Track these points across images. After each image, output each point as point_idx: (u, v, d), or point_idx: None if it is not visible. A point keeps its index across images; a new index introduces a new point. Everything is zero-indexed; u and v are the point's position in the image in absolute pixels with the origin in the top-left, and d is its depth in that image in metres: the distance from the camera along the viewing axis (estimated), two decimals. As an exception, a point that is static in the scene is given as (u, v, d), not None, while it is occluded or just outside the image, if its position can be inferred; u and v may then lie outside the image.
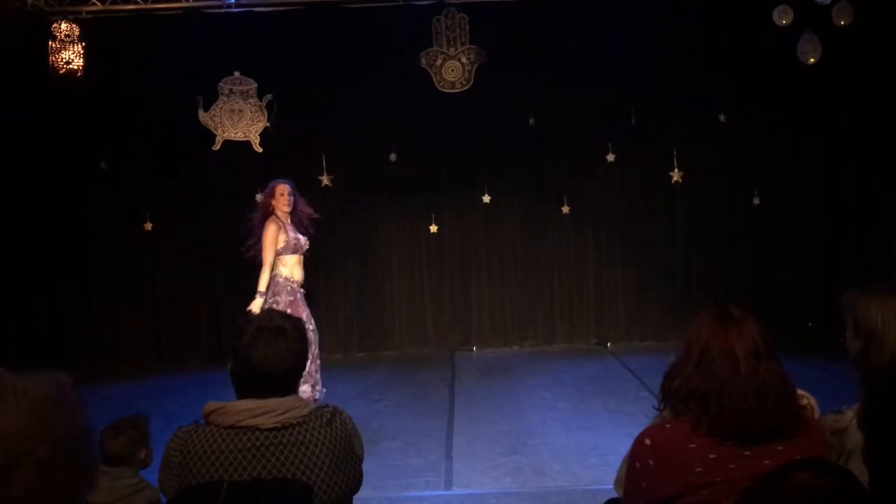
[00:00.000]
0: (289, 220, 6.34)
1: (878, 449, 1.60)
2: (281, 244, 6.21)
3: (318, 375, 6.38)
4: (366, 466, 2.51)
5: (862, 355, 2.28)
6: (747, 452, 1.96)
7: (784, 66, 7.65)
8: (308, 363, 5.99)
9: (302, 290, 6.27)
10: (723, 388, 1.97)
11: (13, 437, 1.32)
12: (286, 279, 6.20)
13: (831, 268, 8.37)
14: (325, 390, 6.32)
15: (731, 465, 1.95)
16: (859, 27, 7.13)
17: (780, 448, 1.96)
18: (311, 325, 6.07)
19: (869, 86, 7.68)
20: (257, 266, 6.25)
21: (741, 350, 2.00)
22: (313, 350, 6.21)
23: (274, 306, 6.02)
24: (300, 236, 6.34)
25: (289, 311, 5.82)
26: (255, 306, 6.04)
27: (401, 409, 6.70)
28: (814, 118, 8.31)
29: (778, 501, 1.79)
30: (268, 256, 6.16)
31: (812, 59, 7.32)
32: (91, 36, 7.80)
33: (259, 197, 6.59)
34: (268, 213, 6.32)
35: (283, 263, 6.23)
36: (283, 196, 6.31)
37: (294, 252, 6.28)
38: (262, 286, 6.15)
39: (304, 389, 5.96)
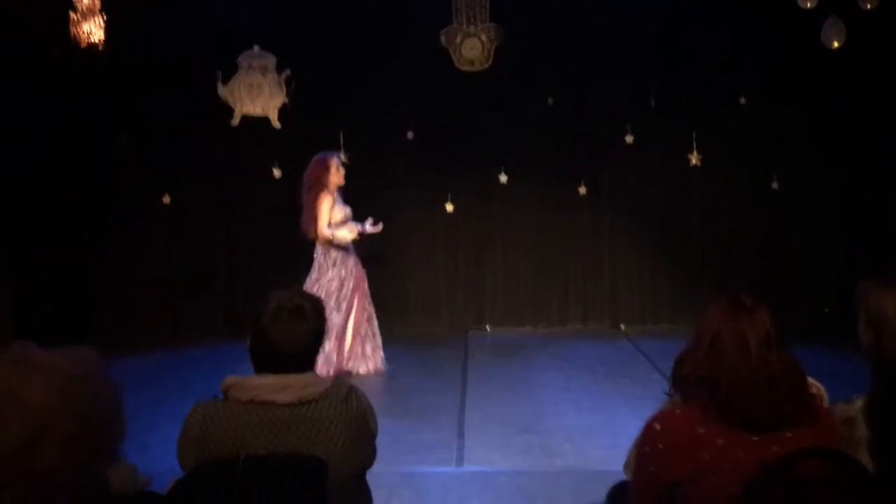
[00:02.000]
0: (337, 193, 6.75)
1: (882, 442, 1.61)
2: (339, 216, 6.68)
3: (370, 348, 6.89)
4: (378, 441, 2.55)
5: (874, 346, 2.30)
6: (755, 439, 1.99)
7: (807, 50, 7.57)
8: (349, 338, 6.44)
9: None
10: (733, 375, 2.00)
11: (38, 412, 1.35)
12: (344, 248, 6.72)
13: (849, 254, 8.32)
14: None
15: (740, 452, 1.98)
16: (885, 11, 7.04)
17: (788, 436, 1.99)
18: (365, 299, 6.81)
19: (891, 71, 7.59)
20: (308, 242, 6.75)
21: (753, 339, 2.02)
22: (373, 323, 6.91)
23: (342, 270, 6.68)
24: (346, 205, 6.83)
25: (353, 271, 6.69)
26: (348, 234, 6.67)
27: (414, 387, 6.75)
28: (836, 103, 8.22)
29: (785, 489, 1.82)
30: (323, 228, 6.61)
31: (836, 44, 7.23)
32: (112, 7, 7.82)
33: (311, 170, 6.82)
34: (321, 185, 6.64)
35: (339, 233, 6.70)
36: (339, 170, 6.72)
37: (347, 220, 6.78)
38: (349, 235, 6.69)
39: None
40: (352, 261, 6.79)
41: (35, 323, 7.27)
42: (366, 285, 6.93)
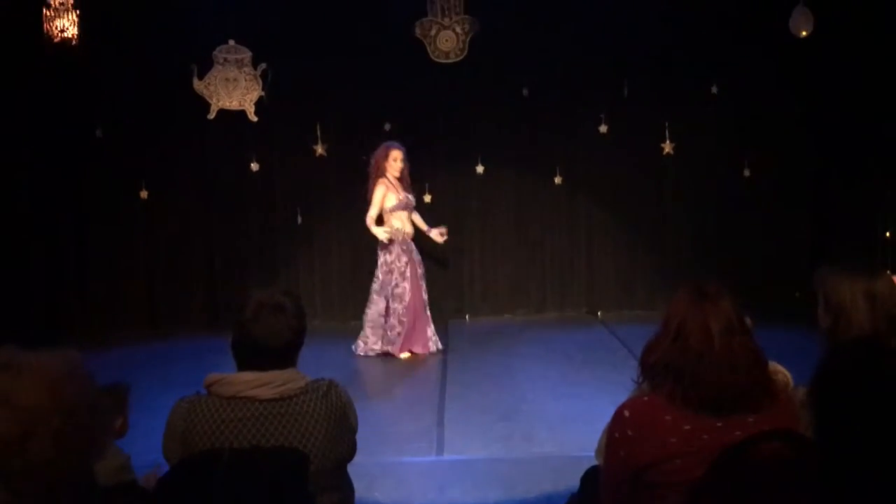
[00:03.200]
0: (401, 184, 7.09)
1: (823, 421, 1.70)
2: (392, 202, 7.03)
3: (431, 330, 7.31)
4: (359, 433, 2.62)
5: (831, 331, 2.39)
6: (719, 424, 2.07)
7: (777, 39, 7.69)
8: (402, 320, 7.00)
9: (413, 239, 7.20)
10: (697, 361, 2.08)
11: (28, 409, 1.43)
12: (397, 230, 7.04)
13: (819, 239, 8.49)
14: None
15: (704, 436, 2.06)
16: (852, 1, 7.17)
17: (750, 420, 2.07)
18: (422, 283, 7.21)
19: (860, 60, 7.72)
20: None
21: (715, 326, 2.10)
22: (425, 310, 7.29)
23: (387, 256, 7.06)
24: (409, 195, 7.15)
25: (404, 259, 7.02)
26: (382, 233, 7.00)
27: (394, 377, 6.83)
28: (805, 91, 8.36)
29: (747, 469, 1.92)
30: (372, 212, 7.01)
31: (804, 32, 7.35)
32: (85, 3, 7.78)
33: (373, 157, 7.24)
34: (379, 173, 7.04)
35: (395, 217, 7.08)
36: (395, 162, 7.06)
37: (405, 209, 7.15)
38: (382, 234, 7.00)
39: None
40: (396, 251, 7.08)
41: (14, 317, 7.26)
42: (414, 268, 7.20)
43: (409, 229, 7.18)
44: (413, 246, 7.26)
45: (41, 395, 1.45)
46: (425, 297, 7.35)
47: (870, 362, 1.73)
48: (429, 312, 7.40)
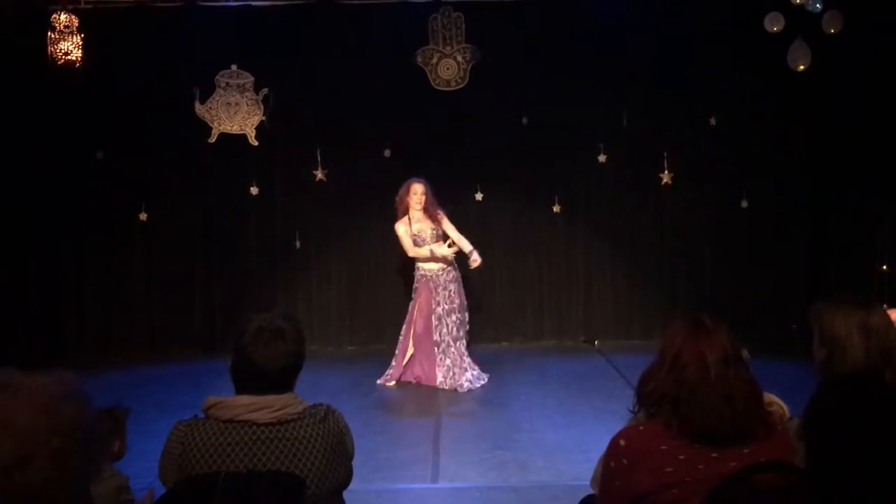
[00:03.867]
0: (424, 214, 7.09)
1: (815, 452, 1.71)
2: (413, 231, 7.09)
3: (468, 361, 7.20)
4: (354, 459, 2.62)
5: (826, 365, 2.40)
6: (715, 454, 2.08)
7: (774, 72, 7.77)
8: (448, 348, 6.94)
9: (449, 271, 7.11)
10: (693, 392, 2.09)
11: (28, 431, 1.45)
12: (418, 268, 7.14)
13: (816, 271, 8.51)
14: (477, 375, 7.18)
15: (700, 466, 2.07)
16: (849, 35, 7.25)
17: (746, 451, 2.08)
18: (440, 321, 7.05)
19: (857, 93, 7.80)
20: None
21: (711, 357, 2.12)
22: (463, 337, 7.23)
23: (415, 284, 7.16)
24: (427, 228, 7.11)
25: (423, 293, 7.07)
26: (442, 250, 7.02)
27: (390, 403, 6.82)
28: (802, 124, 8.43)
29: (742, 500, 1.92)
30: (407, 249, 7.14)
31: (802, 66, 7.43)
32: (89, 27, 7.86)
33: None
34: (403, 210, 7.14)
35: (419, 255, 7.08)
36: (415, 195, 7.09)
37: (422, 244, 7.09)
38: (443, 251, 7.00)
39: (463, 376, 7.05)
40: (421, 282, 7.14)
41: (13, 339, 7.26)
42: (430, 303, 7.13)
43: (430, 266, 7.11)
44: (442, 281, 7.09)
45: (39, 415, 1.47)
46: (440, 335, 7.09)
47: (862, 396, 1.74)
48: (444, 349, 7.10)
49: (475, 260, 7.18)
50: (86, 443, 1.52)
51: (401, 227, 7.15)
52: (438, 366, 7.10)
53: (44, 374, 1.55)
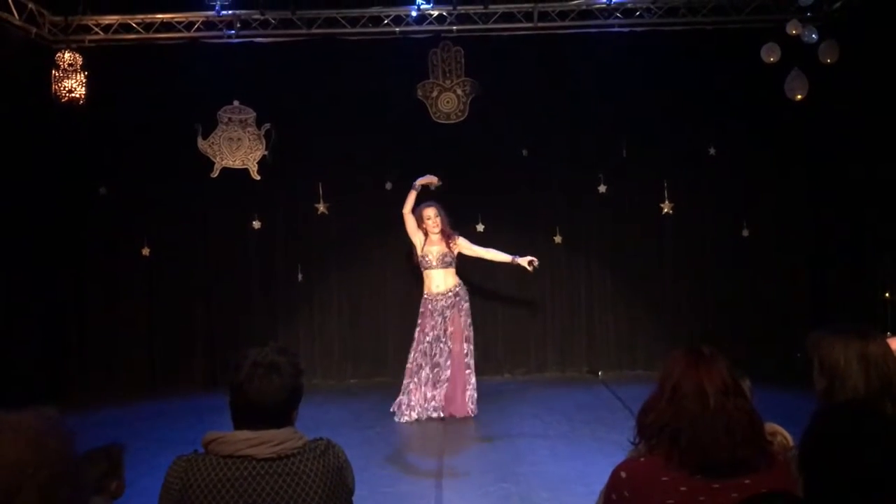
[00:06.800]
0: (439, 237, 7.13)
1: (812, 488, 1.71)
2: (418, 255, 7.14)
3: (421, 397, 7.05)
4: (356, 493, 2.60)
5: (826, 394, 2.40)
6: (716, 485, 2.07)
7: (772, 102, 7.84)
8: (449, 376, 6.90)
9: (449, 296, 7.08)
10: (693, 423, 2.09)
11: (14, 465, 1.48)
12: (425, 292, 7.15)
13: (818, 299, 8.50)
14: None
15: (701, 498, 2.06)
16: (845, 65, 7.32)
17: (747, 482, 2.07)
18: (435, 345, 7.01)
19: (853, 122, 7.85)
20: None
21: (710, 388, 2.11)
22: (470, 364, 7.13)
23: (420, 319, 7.08)
24: (432, 251, 7.10)
25: (422, 318, 7.01)
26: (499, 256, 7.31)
27: (392, 436, 6.78)
28: (801, 152, 8.48)
29: (744, 532, 1.91)
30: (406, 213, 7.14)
31: (799, 96, 7.51)
32: (93, 64, 7.96)
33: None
34: (424, 232, 7.19)
35: (425, 275, 7.18)
36: (428, 220, 7.16)
37: (426, 268, 7.12)
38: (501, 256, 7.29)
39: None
40: (428, 307, 7.09)
41: (13, 374, 7.24)
42: (426, 330, 7.10)
43: (432, 289, 7.10)
44: (440, 307, 7.06)
45: (24, 450, 1.49)
46: (428, 361, 7.05)
47: (858, 425, 1.74)
48: (432, 376, 7.06)
49: (524, 261, 7.22)
50: (72, 474, 1.55)
51: (419, 238, 7.15)
52: (419, 395, 7.07)
53: (26, 411, 1.58)
